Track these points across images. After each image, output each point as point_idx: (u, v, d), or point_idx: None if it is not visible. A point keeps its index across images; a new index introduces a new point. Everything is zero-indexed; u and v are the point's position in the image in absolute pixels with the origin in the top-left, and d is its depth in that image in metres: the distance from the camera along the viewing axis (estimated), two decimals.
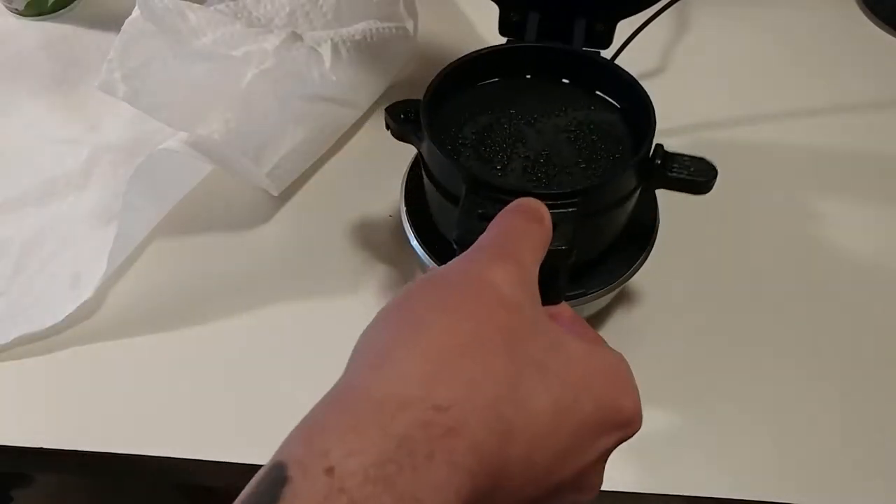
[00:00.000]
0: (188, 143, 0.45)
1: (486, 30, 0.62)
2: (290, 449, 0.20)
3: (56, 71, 0.59)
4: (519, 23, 0.45)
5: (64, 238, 0.48)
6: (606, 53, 0.46)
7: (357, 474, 0.19)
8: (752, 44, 0.62)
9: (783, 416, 0.42)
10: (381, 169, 0.51)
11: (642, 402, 0.25)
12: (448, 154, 0.36)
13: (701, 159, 0.37)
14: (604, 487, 0.26)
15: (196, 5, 0.45)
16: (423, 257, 0.41)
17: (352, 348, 0.24)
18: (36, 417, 0.41)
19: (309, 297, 0.46)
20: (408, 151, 0.42)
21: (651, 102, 0.38)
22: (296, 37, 0.47)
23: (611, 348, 0.26)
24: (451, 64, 0.40)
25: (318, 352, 0.43)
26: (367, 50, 0.51)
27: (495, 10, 0.45)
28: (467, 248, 0.28)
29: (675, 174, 0.37)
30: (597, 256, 0.40)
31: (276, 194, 0.49)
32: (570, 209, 0.33)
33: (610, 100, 0.42)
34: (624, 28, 0.46)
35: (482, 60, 0.41)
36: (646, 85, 0.39)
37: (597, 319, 0.45)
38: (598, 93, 0.42)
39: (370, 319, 0.25)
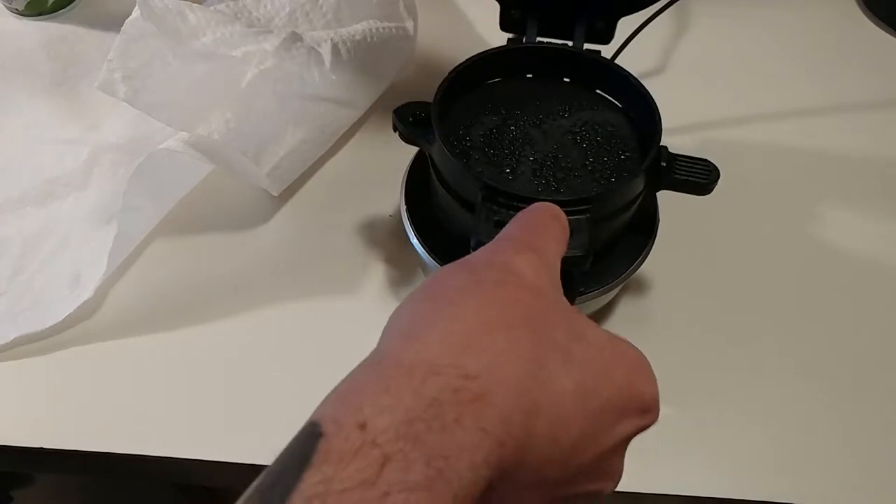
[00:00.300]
0: (188, 143, 0.45)
1: (486, 29, 0.62)
2: (324, 408, 0.21)
3: (56, 71, 0.59)
4: (520, 19, 0.45)
5: (64, 238, 0.48)
6: (607, 51, 0.46)
7: (388, 430, 0.19)
8: (752, 43, 0.62)
9: (783, 415, 0.42)
10: (380, 169, 0.51)
11: None
12: (462, 162, 0.36)
13: (703, 160, 0.37)
14: None
15: (196, 5, 0.45)
16: (423, 257, 0.41)
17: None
18: (36, 417, 0.41)
19: (309, 297, 0.46)
20: (408, 151, 0.42)
21: (657, 107, 0.38)
22: (296, 37, 0.47)
23: (631, 344, 0.27)
24: (457, 66, 0.40)
25: (319, 351, 0.44)
26: (367, 50, 0.51)
27: (495, 9, 0.45)
28: None
29: (679, 176, 0.37)
30: (596, 257, 0.40)
31: (276, 194, 0.49)
32: (585, 215, 0.33)
33: (611, 99, 0.42)
34: (624, 27, 0.46)
35: (487, 61, 0.41)
36: (646, 84, 0.39)
37: (593, 319, 0.45)
38: (599, 91, 0.42)
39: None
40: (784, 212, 0.51)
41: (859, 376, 0.43)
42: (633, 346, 0.26)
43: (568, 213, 0.30)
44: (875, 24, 0.64)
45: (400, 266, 0.47)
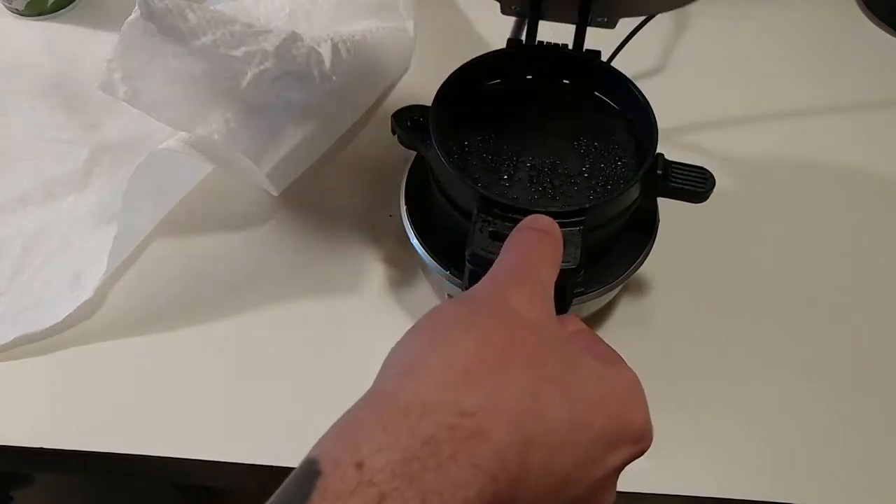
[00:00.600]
0: (188, 143, 0.45)
1: (485, 30, 0.62)
2: (322, 446, 0.21)
3: (56, 71, 0.58)
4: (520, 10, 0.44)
5: (64, 238, 0.48)
6: (607, 50, 0.46)
7: (385, 469, 0.20)
8: (752, 43, 0.62)
9: (783, 415, 0.42)
10: (381, 169, 0.51)
11: None
12: (459, 170, 0.36)
13: (700, 168, 0.37)
14: None
15: (196, 5, 0.45)
16: (423, 257, 0.41)
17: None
18: (36, 417, 0.41)
19: (309, 297, 0.46)
20: (408, 151, 0.42)
21: (654, 118, 0.38)
22: (296, 37, 0.47)
23: (626, 366, 0.27)
24: (455, 70, 0.40)
25: (319, 351, 0.44)
26: (367, 50, 0.51)
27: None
28: (480, 264, 0.31)
29: (675, 184, 0.37)
30: (595, 258, 0.40)
31: (276, 194, 0.50)
32: (578, 227, 0.33)
33: (609, 101, 0.42)
34: (623, 27, 0.46)
35: (485, 64, 0.41)
36: (644, 85, 0.39)
37: (592, 320, 0.45)
38: (597, 94, 0.42)
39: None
40: (784, 212, 0.51)
41: (859, 376, 0.43)
42: (627, 369, 0.27)
43: (561, 225, 0.30)
44: (875, 24, 0.64)
45: (400, 266, 0.47)
